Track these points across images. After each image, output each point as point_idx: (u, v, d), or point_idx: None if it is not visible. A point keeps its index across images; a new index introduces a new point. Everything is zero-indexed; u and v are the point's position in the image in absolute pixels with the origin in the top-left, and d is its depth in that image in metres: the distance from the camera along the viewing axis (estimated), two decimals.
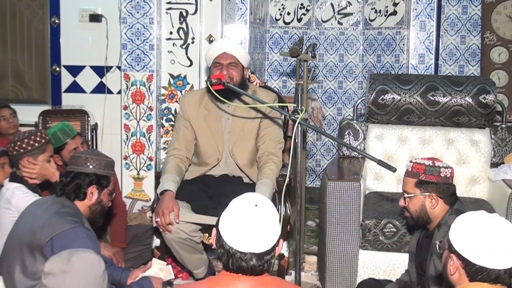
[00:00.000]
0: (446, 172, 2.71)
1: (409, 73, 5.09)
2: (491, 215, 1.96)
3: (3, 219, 3.07)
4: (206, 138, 3.56)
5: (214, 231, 1.97)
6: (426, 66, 5.12)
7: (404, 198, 2.81)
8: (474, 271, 1.89)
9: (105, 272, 2.29)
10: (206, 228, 3.39)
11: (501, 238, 1.87)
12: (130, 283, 2.79)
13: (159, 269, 2.98)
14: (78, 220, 2.59)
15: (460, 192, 3.79)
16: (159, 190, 3.36)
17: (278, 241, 1.95)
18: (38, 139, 3.18)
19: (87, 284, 2.21)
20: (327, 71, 5.89)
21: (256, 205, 1.91)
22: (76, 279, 2.19)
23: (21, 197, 3.07)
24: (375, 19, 5.62)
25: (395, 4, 5.39)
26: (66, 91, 5.06)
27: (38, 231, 2.51)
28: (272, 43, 5.81)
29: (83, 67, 5.01)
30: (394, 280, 3.11)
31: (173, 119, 4.70)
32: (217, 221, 1.95)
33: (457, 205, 2.74)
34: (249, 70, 3.79)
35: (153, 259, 3.13)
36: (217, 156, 3.55)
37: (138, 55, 4.63)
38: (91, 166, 2.75)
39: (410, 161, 2.81)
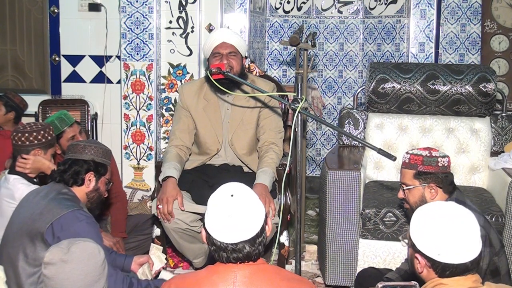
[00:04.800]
0: (443, 162, 2.70)
1: (409, 61, 5.08)
2: (446, 206, 1.97)
3: (5, 211, 3.06)
4: (205, 128, 3.56)
5: (203, 231, 1.98)
6: (426, 55, 5.11)
7: (403, 190, 2.80)
8: (441, 268, 1.92)
9: (105, 261, 2.30)
10: None
11: (461, 231, 1.88)
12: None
13: (153, 253, 3.00)
14: (76, 205, 2.61)
15: (460, 181, 3.80)
16: (161, 177, 3.35)
17: (265, 221, 1.95)
18: (40, 137, 3.16)
19: (87, 273, 2.22)
20: (327, 60, 5.88)
21: (232, 195, 1.93)
22: (76, 269, 2.20)
23: (25, 190, 3.05)
24: (375, 7, 5.60)
25: None
26: (66, 80, 5.05)
27: (38, 218, 2.52)
28: (272, 32, 5.80)
29: (82, 56, 5.00)
30: (394, 269, 3.11)
31: (173, 108, 4.69)
32: (203, 221, 1.96)
33: (456, 194, 2.73)
34: (248, 59, 3.77)
35: (152, 244, 3.14)
36: (217, 146, 3.55)
37: (137, 44, 4.62)
38: (89, 153, 2.77)
39: (407, 153, 2.78)
